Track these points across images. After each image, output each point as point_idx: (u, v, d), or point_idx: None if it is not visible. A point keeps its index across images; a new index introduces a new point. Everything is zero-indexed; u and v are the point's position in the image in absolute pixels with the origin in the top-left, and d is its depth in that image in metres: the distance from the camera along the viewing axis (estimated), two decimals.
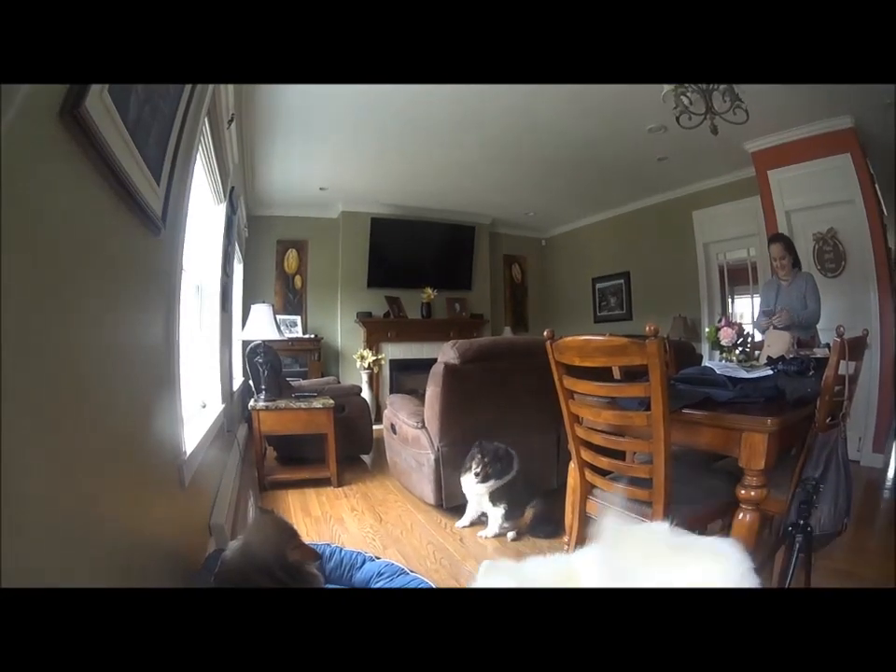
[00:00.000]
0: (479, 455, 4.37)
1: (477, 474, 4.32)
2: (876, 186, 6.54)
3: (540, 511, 4.45)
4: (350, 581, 3.34)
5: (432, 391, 4.89)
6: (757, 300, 7.79)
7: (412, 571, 3.27)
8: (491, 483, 4.35)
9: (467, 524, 4.69)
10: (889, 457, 6.55)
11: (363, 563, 3.39)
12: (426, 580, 3.18)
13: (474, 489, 4.44)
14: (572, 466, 3.31)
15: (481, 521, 4.65)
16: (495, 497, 4.41)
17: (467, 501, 4.68)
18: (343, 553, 3.43)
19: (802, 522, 2.47)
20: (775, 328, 5.22)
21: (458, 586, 3.47)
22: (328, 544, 3.49)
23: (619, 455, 3.06)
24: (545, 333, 3.07)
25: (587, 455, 3.09)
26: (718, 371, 3.10)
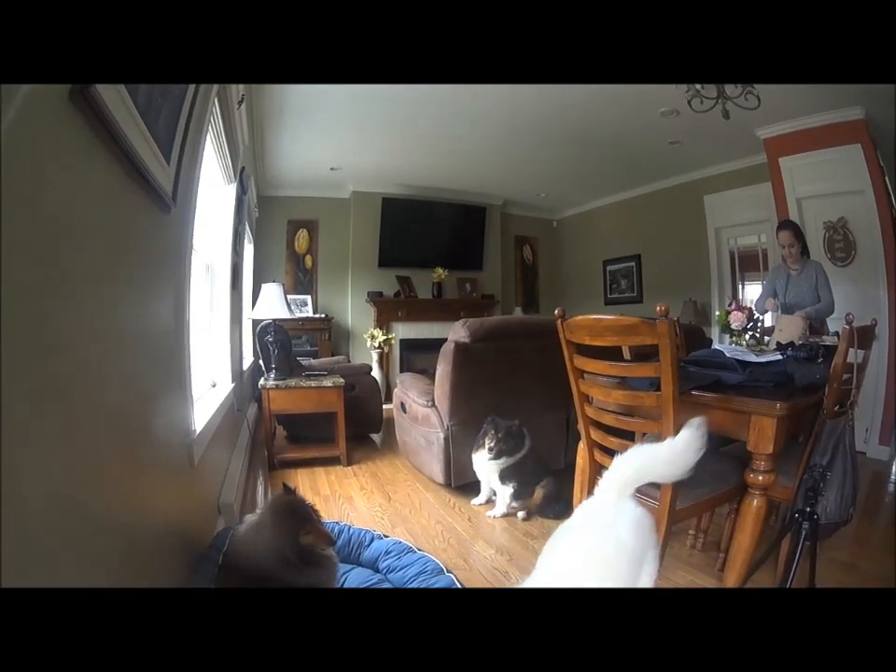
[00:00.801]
0: (492, 431, 4.36)
1: (490, 449, 4.32)
2: (887, 178, 6.51)
3: (550, 490, 4.46)
4: (358, 560, 3.36)
5: (442, 370, 4.89)
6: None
7: (419, 549, 3.28)
8: (503, 461, 4.35)
9: (483, 501, 4.73)
10: None
11: (371, 541, 3.41)
12: (433, 558, 3.19)
13: (485, 466, 4.45)
14: (581, 446, 3.31)
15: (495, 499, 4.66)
16: (504, 476, 4.42)
17: (476, 480, 4.72)
18: (351, 531, 3.46)
19: (808, 509, 2.48)
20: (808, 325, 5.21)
21: (466, 566, 3.49)
22: (336, 522, 3.53)
23: (628, 435, 3.07)
24: (556, 312, 3.07)
25: (597, 436, 3.10)
26: (728, 355, 3.10)
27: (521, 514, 4.49)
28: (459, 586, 2.90)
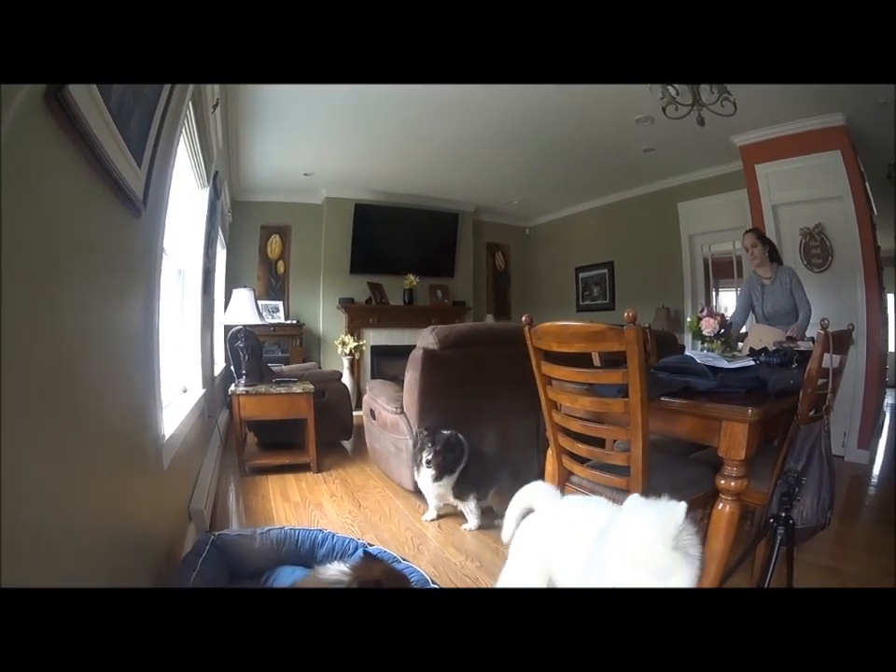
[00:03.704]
0: (429, 444, 4.28)
1: (429, 463, 4.22)
2: (867, 184, 6.58)
3: (505, 488, 4.47)
4: None
5: (411, 376, 4.90)
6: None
7: (404, 559, 3.24)
8: (446, 480, 4.29)
9: (434, 517, 4.62)
10: (875, 454, 6.63)
11: (355, 549, 3.36)
12: (418, 568, 3.15)
13: (433, 488, 4.38)
14: (550, 453, 3.31)
15: (457, 512, 4.60)
16: (459, 493, 4.39)
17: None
18: (335, 539, 3.42)
19: (783, 514, 2.49)
20: (792, 339, 5.23)
21: (436, 573, 3.47)
22: (320, 530, 3.46)
23: (597, 442, 3.07)
24: (523, 319, 3.06)
25: (565, 442, 3.09)
26: (699, 361, 3.11)
27: (498, 521, 4.47)
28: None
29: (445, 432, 4.36)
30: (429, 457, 4.22)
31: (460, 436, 4.42)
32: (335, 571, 2.43)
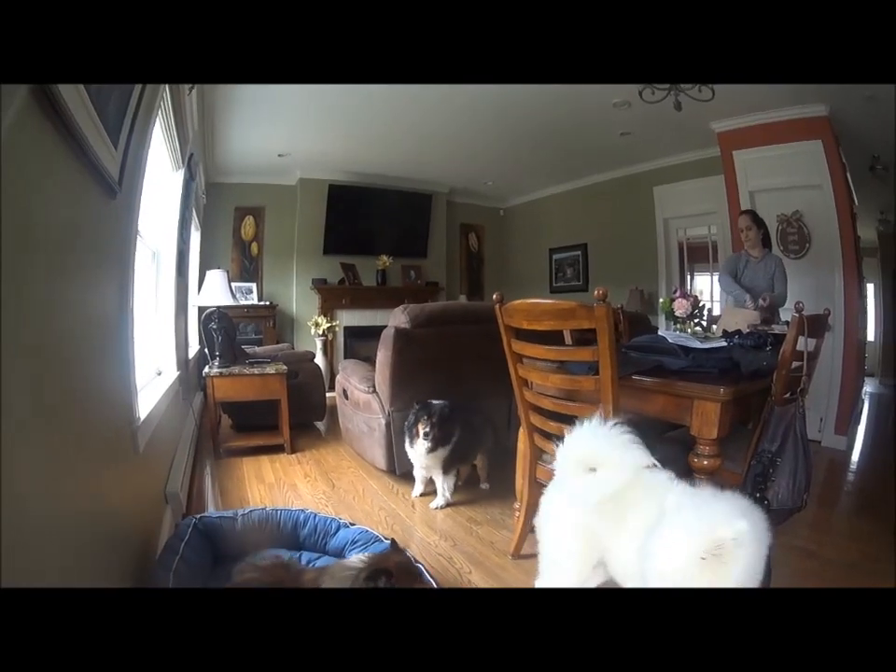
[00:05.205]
0: (425, 417, 4.25)
1: (426, 435, 4.20)
2: (848, 175, 6.63)
3: (491, 447, 4.68)
4: (324, 548, 3.36)
5: (383, 355, 4.92)
6: (716, 276, 7.83)
7: (386, 539, 3.21)
8: (440, 451, 4.30)
9: (421, 492, 4.67)
10: (854, 441, 6.73)
11: (337, 529, 3.39)
12: (405, 550, 3.16)
13: (425, 460, 4.37)
14: (522, 431, 3.35)
15: (434, 490, 4.60)
16: (448, 465, 4.41)
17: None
18: (317, 518, 3.44)
19: (758, 495, 2.52)
20: (762, 306, 5.32)
21: (410, 552, 3.48)
22: (301, 510, 3.49)
23: (568, 419, 3.09)
24: (494, 297, 3.10)
25: (536, 420, 3.13)
26: (671, 341, 3.13)
27: (484, 486, 4.76)
28: (428, 576, 2.85)
29: (436, 402, 4.36)
30: (426, 429, 4.20)
31: (450, 406, 4.40)
32: (355, 559, 2.54)
